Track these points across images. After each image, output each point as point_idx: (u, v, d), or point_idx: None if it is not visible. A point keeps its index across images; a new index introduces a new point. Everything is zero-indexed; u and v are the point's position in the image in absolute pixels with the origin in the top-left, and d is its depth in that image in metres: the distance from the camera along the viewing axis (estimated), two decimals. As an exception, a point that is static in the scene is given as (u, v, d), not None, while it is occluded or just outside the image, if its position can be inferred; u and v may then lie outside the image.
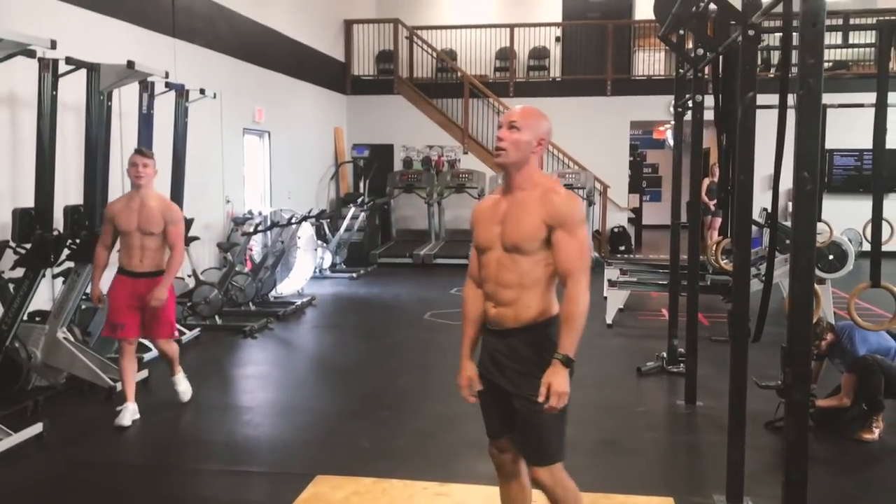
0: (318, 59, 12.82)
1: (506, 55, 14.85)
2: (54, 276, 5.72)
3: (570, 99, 13.72)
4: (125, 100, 6.45)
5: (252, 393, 5.83)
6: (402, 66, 14.37)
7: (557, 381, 2.50)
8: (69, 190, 5.96)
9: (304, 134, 12.17)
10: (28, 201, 5.16)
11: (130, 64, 5.30)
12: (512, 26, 14.56)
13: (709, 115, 4.62)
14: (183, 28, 8.42)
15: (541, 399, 2.51)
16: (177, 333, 4.98)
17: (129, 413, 4.81)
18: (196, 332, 7.10)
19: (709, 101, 4.71)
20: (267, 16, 10.60)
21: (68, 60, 5.01)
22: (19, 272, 5.14)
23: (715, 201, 10.63)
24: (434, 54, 14.62)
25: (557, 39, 15.23)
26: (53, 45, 4.48)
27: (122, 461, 4.34)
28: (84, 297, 5.61)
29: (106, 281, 4.96)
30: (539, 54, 15.11)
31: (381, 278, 11.27)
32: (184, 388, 5.23)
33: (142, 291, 4.75)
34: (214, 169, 9.13)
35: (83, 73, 5.30)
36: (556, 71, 15.14)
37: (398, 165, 14.08)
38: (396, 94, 14.09)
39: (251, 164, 10.55)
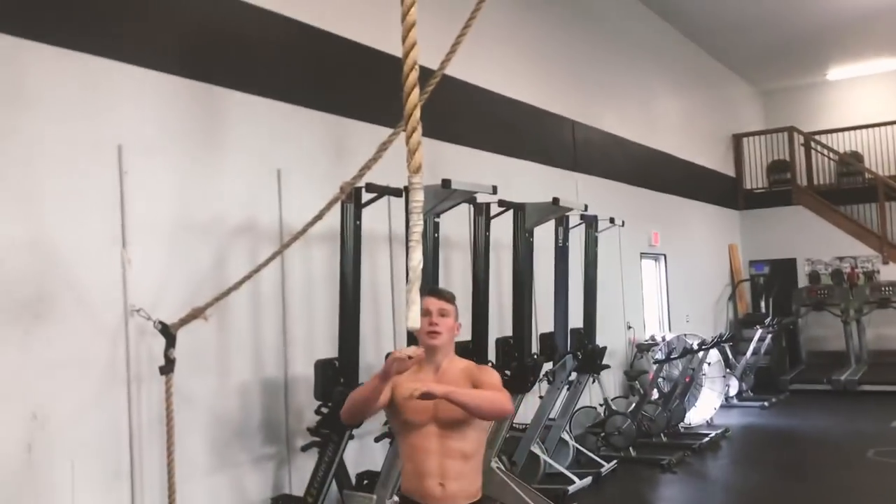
0: (709, 177, 12.51)
1: (924, 150, 13.12)
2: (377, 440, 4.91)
3: None
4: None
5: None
6: (800, 175, 13.41)
7: None
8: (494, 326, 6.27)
9: (698, 254, 11.79)
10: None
11: (555, 201, 5.52)
12: (929, 118, 12.88)
13: None
14: (583, 161, 8.74)
15: None
16: None
17: None
18: (613, 464, 6.90)
19: None
20: (658, 140, 10.64)
21: (500, 203, 5.36)
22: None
23: None
24: (835, 158, 13.45)
25: None
26: (495, 190, 4.82)
27: None
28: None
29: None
30: (969, 144, 13.10)
31: (795, 407, 10.16)
32: None
33: None
34: (615, 295, 9.12)
35: (509, 213, 5.64)
36: None
37: (802, 281, 12.91)
38: (795, 204, 13.10)
39: (648, 288, 10.41)
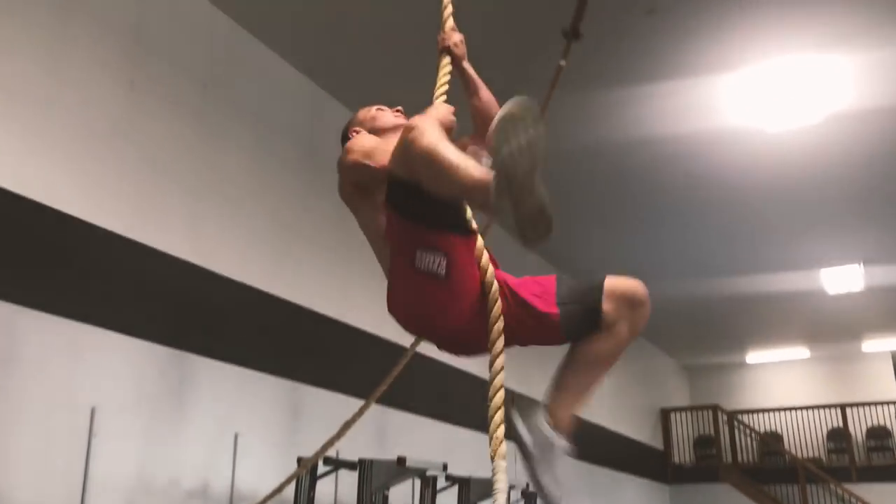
0: (639, 450, 12.86)
1: (839, 436, 13.82)
2: None
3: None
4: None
5: None
6: (725, 451, 13.89)
7: None
8: None
9: (630, 527, 11.83)
10: None
11: (499, 478, 5.73)
12: (843, 406, 13.72)
13: None
14: (521, 431, 9.04)
15: None
16: None
17: None
18: None
19: None
20: (590, 412, 11.08)
21: (447, 478, 5.56)
22: None
23: None
24: (757, 438, 14.05)
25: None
26: (445, 468, 5.05)
27: None
28: None
29: None
30: (879, 434, 13.88)
31: None
32: None
33: None
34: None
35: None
36: (903, 451, 13.69)
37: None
38: (722, 482, 13.44)
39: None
